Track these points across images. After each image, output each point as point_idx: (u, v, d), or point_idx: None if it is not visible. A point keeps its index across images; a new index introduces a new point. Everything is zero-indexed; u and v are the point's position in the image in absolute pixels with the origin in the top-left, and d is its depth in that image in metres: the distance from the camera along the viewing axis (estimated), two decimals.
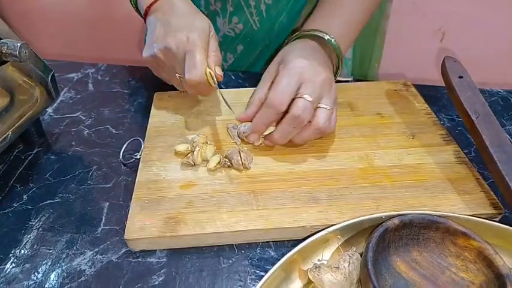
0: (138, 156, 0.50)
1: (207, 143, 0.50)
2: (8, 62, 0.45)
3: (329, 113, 0.47)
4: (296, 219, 0.41)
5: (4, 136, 0.45)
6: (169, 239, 0.40)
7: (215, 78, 0.48)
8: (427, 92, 0.64)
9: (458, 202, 0.43)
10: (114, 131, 0.56)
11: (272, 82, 0.48)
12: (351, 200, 0.43)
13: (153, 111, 0.57)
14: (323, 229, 0.40)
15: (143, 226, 0.41)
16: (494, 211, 0.43)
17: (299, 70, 0.46)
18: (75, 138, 0.55)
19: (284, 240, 0.42)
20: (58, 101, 0.62)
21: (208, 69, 0.47)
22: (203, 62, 0.47)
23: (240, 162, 0.46)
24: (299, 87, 0.46)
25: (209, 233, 0.40)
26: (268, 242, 0.42)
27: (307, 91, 0.45)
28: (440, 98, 0.63)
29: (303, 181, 0.46)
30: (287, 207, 0.43)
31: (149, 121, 0.55)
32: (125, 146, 0.52)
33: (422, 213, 0.39)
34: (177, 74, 0.50)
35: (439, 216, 0.39)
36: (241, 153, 0.47)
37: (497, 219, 0.43)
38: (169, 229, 0.41)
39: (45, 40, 1.10)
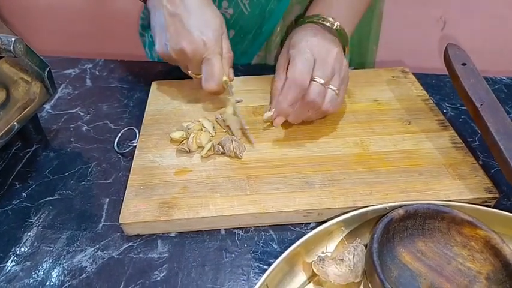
0: (135, 144, 0.50)
1: (202, 130, 0.50)
2: (2, 57, 0.44)
3: (334, 95, 0.47)
4: (289, 204, 0.42)
5: (1, 133, 0.44)
6: (163, 223, 0.41)
7: (229, 82, 0.51)
8: (430, 81, 0.63)
9: (453, 187, 0.43)
10: (112, 126, 0.56)
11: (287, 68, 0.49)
12: (344, 185, 0.43)
13: (150, 99, 0.57)
14: (326, 220, 0.39)
15: (138, 211, 0.41)
16: (489, 195, 0.42)
17: (309, 48, 0.47)
18: (73, 134, 0.55)
19: (287, 232, 0.42)
20: (56, 97, 0.61)
21: (224, 77, 0.49)
22: (220, 71, 0.49)
23: (232, 150, 0.47)
24: (312, 67, 0.46)
25: (202, 217, 0.41)
26: (271, 234, 0.42)
27: (318, 72, 0.46)
28: (443, 87, 0.62)
29: (297, 167, 0.46)
30: (280, 192, 0.43)
31: (146, 109, 0.55)
32: (119, 135, 0.52)
33: (427, 203, 0.39)
34: (189, 72, 0.52)
35: (445, 205, 0.39)
36: (234, 142, 0.47)
37: (491, 203, 0.43)
38: (163, 213, 0.41)
39: (42, 36, 1.09)
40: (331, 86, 0.47)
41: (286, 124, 0.51)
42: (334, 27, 0.53)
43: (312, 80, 0.46)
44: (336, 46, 0.49)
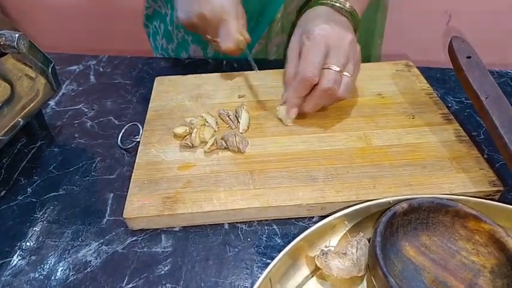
0: (138, 139, 0.50)
1: (205, 125, 0.50)
2: (7, 53, 0.44)
3: (350, 81, 0.48)
4: (292, 198, 0.42)
5: (6, 129, 0.45)
6: (167, 217, 0.41)
7: (245, 43, 0.53)
8: (434, 75, 0.62)
9: (457, 180, 0.43)
10: (116, 122, 0.56)
11: (299, 55, 0.49)
12: (348, 179, 0.43)
13: (153, 95, 0.57)
14: (329, 214, 0.39)
15: (142, 205, 0.42)
16: (493, 188, 0.42)
17: (324, 38, 0.47)
18: (78, 130, 0.55)
19: (290, 226, 0.42)
20: (60, 93, 0.62)
21: (240, 37, 0.51)
22: (236, 30, 0.51)
23: (235, 144, 0.47)
24: (326, 55, 0.46)
25: (206, 211, 0.41)
26: (274, 229, 0.42)
27: (334, 60, 0.46)
28: (447, 81, 0.62)
29: (300, 161, 0.46)
30: (284, 186, 0.43)
31: (149, 105, 0.55)
32: (122, 131, 0.52)
33: (431, 197, 0.39)
34: (208, 36, 0.54)
35: (449, 199, 0.38)
36: (237, 137, 0.47)
37: (496, 196, 0.43)
38: (167, 208, 0.41)
39: (46, 33, 1.10)
40: (345, 73, 0.47)
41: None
42: (345, 8, 0.52)
43: (327, 68, 0.46)
44: (349, 31, 0.49)
